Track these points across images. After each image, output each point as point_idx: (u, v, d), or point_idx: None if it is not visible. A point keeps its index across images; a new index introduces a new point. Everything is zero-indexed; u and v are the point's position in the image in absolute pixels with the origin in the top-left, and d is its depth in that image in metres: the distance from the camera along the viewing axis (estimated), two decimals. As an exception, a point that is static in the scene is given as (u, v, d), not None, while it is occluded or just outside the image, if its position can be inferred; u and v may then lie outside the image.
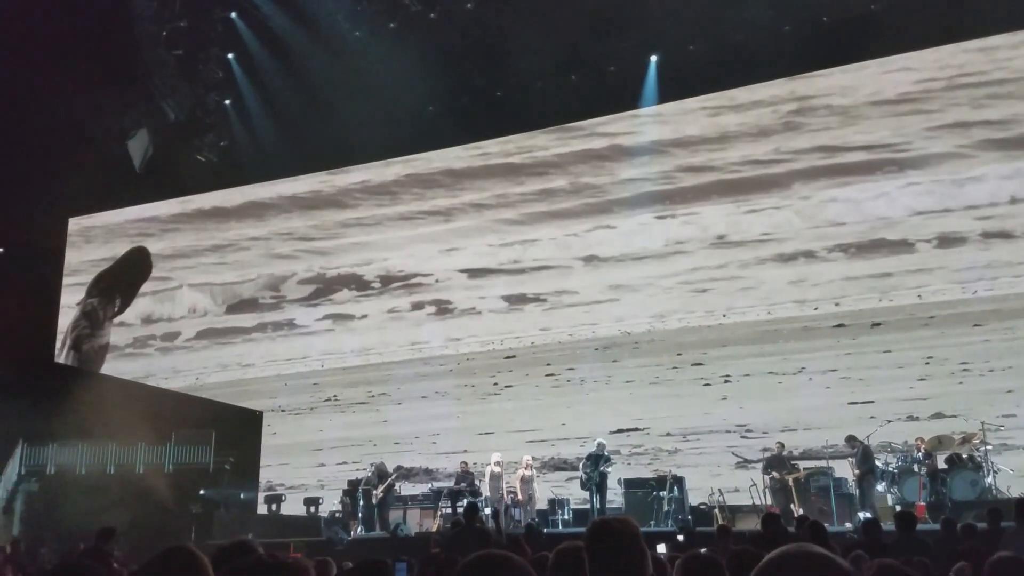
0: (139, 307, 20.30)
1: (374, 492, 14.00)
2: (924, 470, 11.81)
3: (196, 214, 20.33)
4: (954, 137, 14.48)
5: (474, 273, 17.48)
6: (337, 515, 14.69)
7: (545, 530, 11.77)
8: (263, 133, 18.06)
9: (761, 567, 1.60)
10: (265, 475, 17.50)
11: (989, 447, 11.85)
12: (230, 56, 17.53)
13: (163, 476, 15.53)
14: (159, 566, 2.14)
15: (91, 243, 21.15)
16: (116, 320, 20.30)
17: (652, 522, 12.24)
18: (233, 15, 16.74)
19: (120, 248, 20.75)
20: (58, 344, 20.19)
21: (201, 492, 15.37)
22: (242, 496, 16.25)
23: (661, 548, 6.45)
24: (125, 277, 20.25)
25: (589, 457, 13.28)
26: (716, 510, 12.36)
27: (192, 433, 16.32)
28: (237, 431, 17.40)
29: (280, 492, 16.47)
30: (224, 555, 3.06)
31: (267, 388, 18.69)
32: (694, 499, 12.95)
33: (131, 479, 15.59)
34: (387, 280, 18.17)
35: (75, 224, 21.31)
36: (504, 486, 13.75)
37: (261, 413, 18.33)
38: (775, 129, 15.73)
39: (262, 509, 16.26)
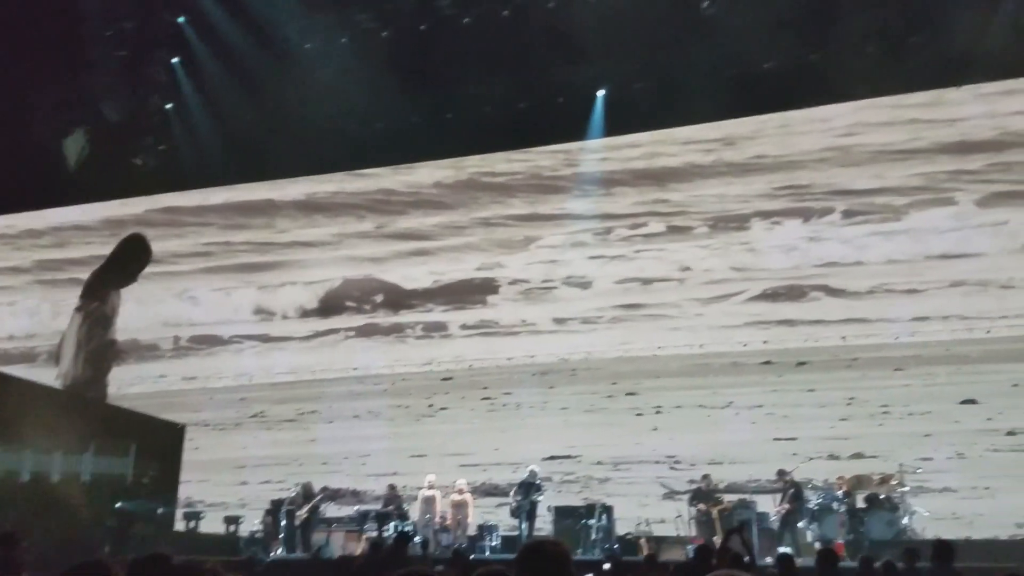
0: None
1: (298, 513, 13.69)
2: (843, 508, 12.09)
3: (130, 220, 19.76)
4: (884, 186, 15.12)
5: (412, 295, 17.42)
6: (257, 535, 14.29)
7: (472, 556, 11.67)
8: (204, 140, 17.75)
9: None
10: (185, 491, 16.91)
11: (906, 489, 12.19)
12: (175, 60, 17.23)
13: (79, 486, 14.91)
14: None
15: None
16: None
17: (580, 550, 12.25)
18: (181, 19, 16.49)
19: (37, 254, 20.09)
20: (66, 361, 18.82)
21: (117, 505, 14.80)
22: (160, 511, 15.67)
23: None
24: (119, 267, 19.14)
25: (521, 485, 13.28)
26: (642, 540, 12.45)
27: (111, 444, 15.74)
28: (158, 444, 16.82)
29: (199, 509, 15.96)
30: (140, 568, 2.99)
31: (192, 401, 18.16)
32: (621, 528, 13.02)
33: (45, 488, 14.92)
34: (326, 300, 17.95)
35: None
36: (436, 509, 13.63)
37: (184, 426, 17.78)
38: (716, 170, 16.19)
39: (180, 526, 15.73)
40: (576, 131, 16.68)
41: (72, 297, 19.57)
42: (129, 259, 19.07)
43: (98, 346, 18.69)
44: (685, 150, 16.53)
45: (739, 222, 15.81)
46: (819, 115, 15.82)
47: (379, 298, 17.65)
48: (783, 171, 15.78)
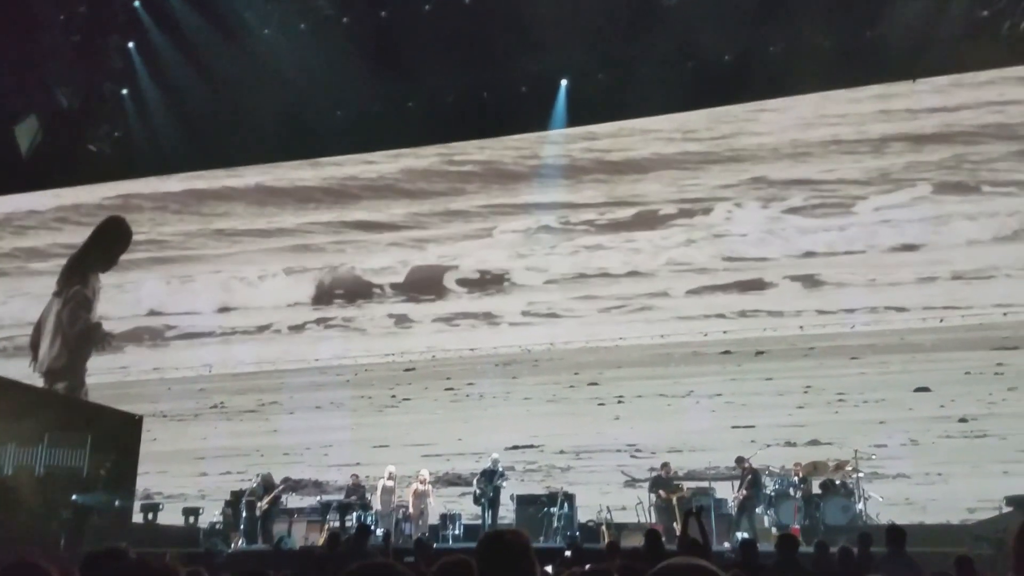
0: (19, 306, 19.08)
1: (258, 504, 13.58)
2: (800, 494, 12.34)
3: (85, 208, 19.35)
4: (842, 177, 15.39)
5: (372, 285, 17.32)
6: (218, 526, 14.15)
7: (435, 545, 11.69)
8: (160, 126, 17.42)
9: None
10: (143, 482, 16.68)
11: (861, 475, 12.46)
12: (131, 45, 16.85)
13: (33, 479, 14.61)
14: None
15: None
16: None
17: (541, 538, 12.34)
18: (137, 3, 16.12)
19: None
20: (44, 348, 18.36)
21: (73, 497, 14.53)
22: (117, 503, 15.43)
23: (548, 569, 6.52)
24: (100, 250, 18.73)
25: (483, 473, 13.35)
26: (603, 527, 12.57)
27: (66, 435, 15.44)
28: (114, 435, 16.55)
29: (158, 501, 15.74)
30: (94, 561, 2.94)
31: (149, 392, 17.87)
32: (583, 516, 13.14)
33: (-3, 481, 14.61)
34: (285, 290, 17.75)
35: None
36: (396, 500, 13.61)
37: (141, 417, 17.50)
38: (677, 160, 16.33)
39: (138, 518, 15.51)
40: (539, 121, 16.68)
41: (31, 285, 19.14)
42: (111, 241, 18.72)
43: (82, 329, 18.28)
44: (646, 140, 16.64)
45: (700, 213, 15.96)
46: (777, 106, 16.02)
47: (339, 289, 17.51)
48: (742, 161, 15.97)
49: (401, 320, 17.01)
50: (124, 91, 17.57)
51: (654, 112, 16.31)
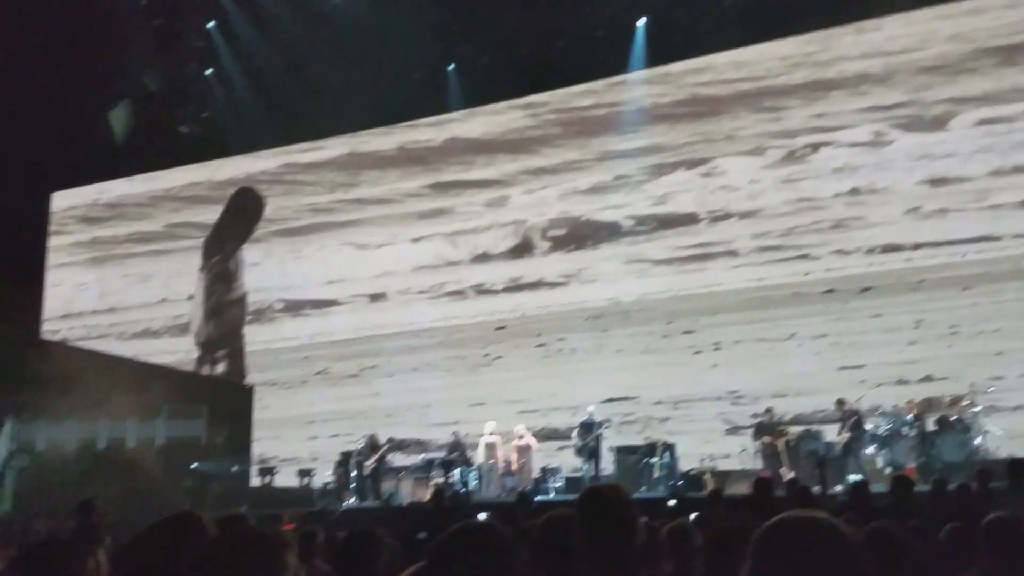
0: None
1: (366, 463, 14.02)
2: (914, 432, 11.90)
3: (204, 185, 19.95)
4: (938, 97, 14.42)
5: (463, 250, 17.38)
6: (330, 486, 14.71)
7: (537, 498, 11.80)
8: (245, 104, 17.81)
9: (763, 535, 1.55)
10: (258, 448, 17.49)
11: (978, 409, 11.94)
12: (210, 25, 17.22)
13: (154, 451, 15.51)
14: (164, 530, 2.10)
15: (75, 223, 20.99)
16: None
17: (644, 488, 12.31)
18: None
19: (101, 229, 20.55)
20: (195, 322, 19.30)
21: (193, 466, 15.36)
22: (235, 469, 16.25)
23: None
24: (237, 221, 19.43)
25: (582, 425, 13.36)
26: (707, 475, 12.43)
27: (183, 408, 16.29)
28: (228, 405, 17.38)
29: (273, 465, 16.47)
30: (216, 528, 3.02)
31: (256, 362, 18.61)
32: (685, 465, 13.00)
33: (122, 454, 15.58)
34: (378, 261, 17.99)
35: (59, 200, 21.11)
36: (499, 455, 13.80)
37: (252, 387, 18.29)
38: (764, 94, 15.62)
39: (255, 482, 16.28)
40: (618, 65, 16.22)
41: (135, 268, 20.12)
42: (245, 212, 19.33)
43: (220, 302, 19.14)
44: (731, 75, 15.94)
45: (795, 149, 15.26)
46: (873, 27, 15.06)
47: (431, 255, 17.60)
48: (843, 88, 15.12)
49: (490, 279, 17.04)
50: (208, 71, 18.02)
51: (737, 44, 15.61)
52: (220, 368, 18.89)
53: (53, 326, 20.38)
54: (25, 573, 2.36)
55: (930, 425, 12.04)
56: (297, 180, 19.12)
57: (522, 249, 16.88)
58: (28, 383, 15.29)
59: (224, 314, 19.06)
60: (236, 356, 18.72)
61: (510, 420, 14.49)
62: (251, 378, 18.45)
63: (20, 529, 11.55)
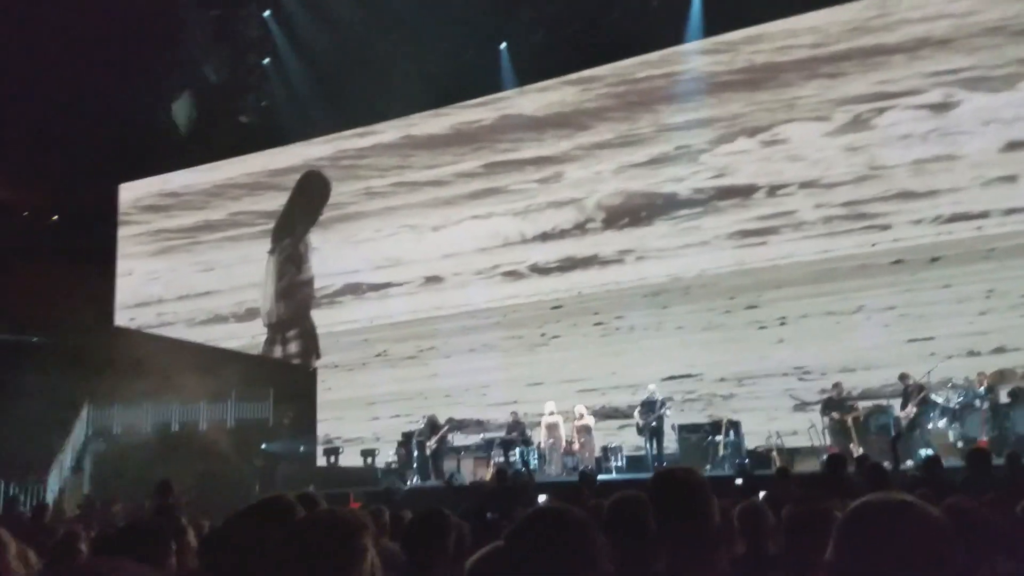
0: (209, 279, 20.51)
1: (427, 443, 14.18)
2: (986, 405, 11.54)
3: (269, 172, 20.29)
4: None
5: (517, 230, 17.32)
6: (393, 465, 14.95)
7: (600, 477, 11.80)
8: (303, 92, 17.99)
9: (848, 518, 1.50)
10: (322, 429, 17.85)
11: (1055, 380, 11.53)
12: (266, 14, 17.42)
13: (226, 432, 15.95)
14: (255, 513, 2.16)
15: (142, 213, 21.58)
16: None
17: (708, 466, 12.18)
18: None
19: (166, 219, 21.10)
20: (265, 304, 19.69)
21: (263, 446, 15.77)
22: (302, 449, 16.62)
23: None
24: (305, 204, 19.76)
25: (644, 404, 13.25)
26: (774, 452, 12.23)
27: (250, 390, 16.71)
28: (293, 387, 17.75)
29: (337, 445, 16.80)
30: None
31: (319, 345, 18.95)
32: (751, 443, 12.81)
33: (195, 436, 16.08)
34: (435, 244, 18.06)
35: (126, 192, 21.71)
36: (560, 435, 13.81)
37: (315, 369, 18.64)
38: (826, 60, 15.13)
39: (321, 461, 16.63)
40: (674, 35, 15.88)
41: (200, 257, 20.61)
42: (312, 195, 19.60)
43: (291, 283, 19.56)
44: (791, 42, 15.47)
45: (859, 113, 14.76)
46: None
47: (486, 235, 17.58)
48: (904, 52, 14.57)
49: (546, 257, 16.96)
50: (266, 60, 18.24)
51: (797, 11, 15.15)
52: (292, 348, 19.31)
53: (125, 314, 21.04)
54: (112, 555, 2.43)
55: (1003, 397, 11.66)
56: (353, 165, 19.29)
57: (578, 226, 16.76)
58: (103, 370, 15.82)
59: (295, 295, 19.46)
60: (307, 336, 19.10)
61: (569, 399, 14.43)
62: (313, 360, 18.82)
63: (101, 511, 11.99)
